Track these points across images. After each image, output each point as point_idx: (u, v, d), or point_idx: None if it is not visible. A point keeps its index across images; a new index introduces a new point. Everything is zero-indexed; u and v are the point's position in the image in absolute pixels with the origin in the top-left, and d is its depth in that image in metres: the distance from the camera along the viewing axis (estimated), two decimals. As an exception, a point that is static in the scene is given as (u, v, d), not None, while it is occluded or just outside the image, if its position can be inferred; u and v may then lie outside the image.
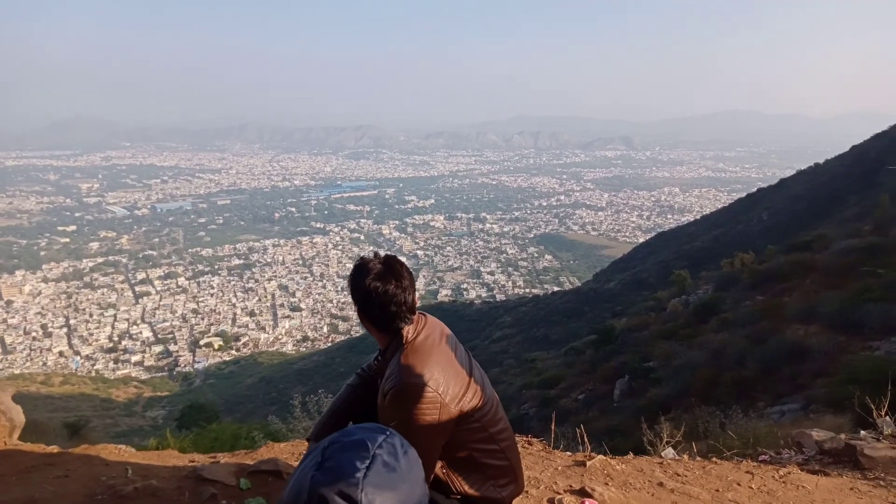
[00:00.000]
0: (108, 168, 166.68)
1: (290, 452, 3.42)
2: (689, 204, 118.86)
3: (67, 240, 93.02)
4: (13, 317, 66.29)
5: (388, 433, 1.02)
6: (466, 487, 2.02)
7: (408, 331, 2.03)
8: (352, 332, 61.49)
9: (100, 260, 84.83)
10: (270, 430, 7.49)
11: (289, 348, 61.24)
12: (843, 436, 3.86)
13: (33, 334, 62.53)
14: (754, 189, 48.28)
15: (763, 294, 15.79)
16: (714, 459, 3.69)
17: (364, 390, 2.36)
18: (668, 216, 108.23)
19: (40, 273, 78.72)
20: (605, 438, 8.98)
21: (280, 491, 2.83)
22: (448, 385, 1.93)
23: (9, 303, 69.63)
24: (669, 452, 3.94)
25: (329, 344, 57.55)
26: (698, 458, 3.73)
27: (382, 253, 2.12)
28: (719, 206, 61.07)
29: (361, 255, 2.13)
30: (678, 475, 3.35)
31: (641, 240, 72.66)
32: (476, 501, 2.06)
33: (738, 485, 3.23)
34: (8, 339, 61.03)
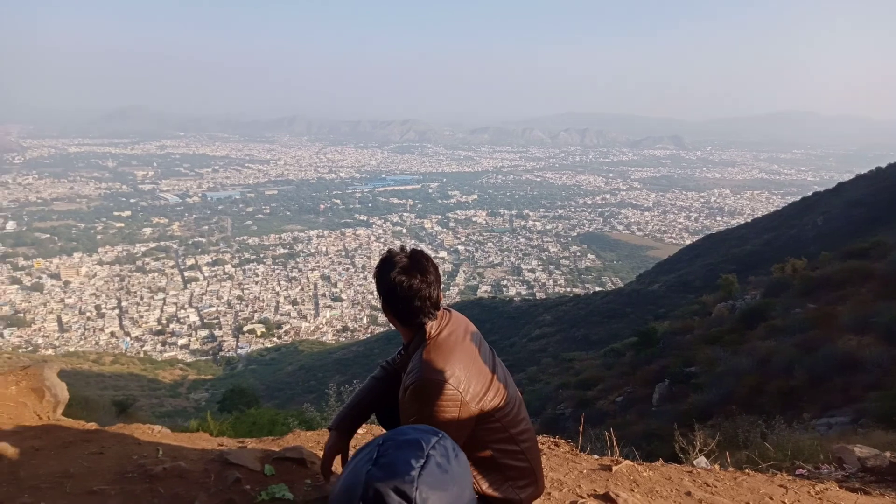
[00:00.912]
0: (162, 156, 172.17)
1: (315, 441, 3.44)
2: (739, 206, 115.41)
3: (122, 225, 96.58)
4: (70, 297, 69.31)
5: (440, 435, 1.05)
6: (485, 487, 2.00)
7: (431, 326, 2.03)
8: (390, 325, 61.74)
9: (152, 245, 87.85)
10: (306, 418, 7.61)
11: (329, 338, 62.22)
12: (888, 454, 3.66)
13: (88, 314, 65.23)
14: (810, 193, 46.61)
15: (815, 302, 15.20)
16: (747, 471, 3.55)
17: (388, 383, 2.37)
18: (718, 218, 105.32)
19: (96, 256, 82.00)
20: (643, 443, 8.81)
21: (302, 479, 2.87)
22: (469, 383, 1.91)
23: (66, 283, 72.81)
24: (702, 461, 3.81)
25: (368, 335, 58.22)
26: (730, 469, 3.59)
27: (409, 247, 2.13)
28: (772, 210, 59.16)
29: (389, 248, 2.13)
30: (707, 485, 3.24)
31: (688, 242, 71.02)
32: (494, 501, 2.04)
33: (771, 499, 3.11)
34: (65, 318, 63.87)
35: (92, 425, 4.03)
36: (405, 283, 1.99)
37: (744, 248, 37.48)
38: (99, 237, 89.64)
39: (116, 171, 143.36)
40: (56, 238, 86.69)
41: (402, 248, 2.10)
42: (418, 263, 2.03)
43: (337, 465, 2.47)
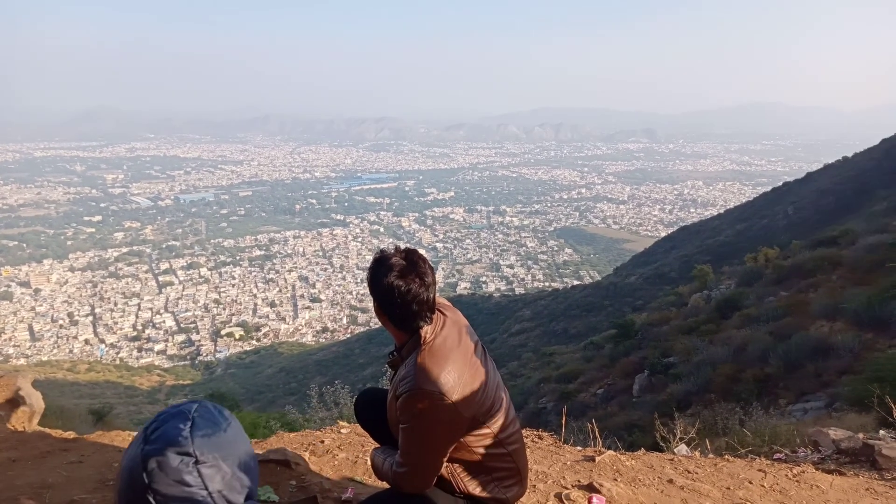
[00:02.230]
0: (132, 159, 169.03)
1: (299, 442, 3.43)
2: (712, 198, 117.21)
3: (93, 230, 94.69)
4: (41, 304, 67.80)
5: (200, 402, 1.07)
6: (471, 488, 2.00)
7: (426, 331, 1.96)
8: (371, 324, 61.82)
9: (124, 250, 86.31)
10: (288, 420, 7.57)
11: (308, 339, 61.82)
12: (861, 435, 3.76)
13: (60, 322, 63.87)
14: (780, 183, 47.47)
15: (787, 290, 15.50)
16: (727, 457, 3.63)
17: None
18: (691, 210, 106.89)
19: (67, 262, 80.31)
20: (624, 434, 8.92)
21: (286, 481, 2.85)
22: (464, 391, 1.88)
23: (37, 291, 71.23)
24: (682, 449, 3.88)
25: (348, 335, 57.96)
26: (710, 456, 3.67)
27: (403, 246, 2.04)
28: (743, 200, 60.09)
29: (381, 248, 2.05)
30: (689, 472, 3.30)
31: (663, 234, 71.87)
32: (480, 501, 2.04)
33: (750, 483, 3.17)
34: (36, 327, 62.45)
35: (70, 434, 3.97)
36: (402, 287, 1.90)
37: (717, 239, 38.03)
38: (69, 243, 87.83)
39: (85, 175, 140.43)
40: (24, 245, 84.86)
41: (398, 249, 2.01)
42: (415, 266, 1.96)
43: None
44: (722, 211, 58.64)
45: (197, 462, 0.97)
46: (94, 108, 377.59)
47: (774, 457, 3.74)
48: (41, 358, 53.44)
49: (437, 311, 2.04)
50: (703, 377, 11.59)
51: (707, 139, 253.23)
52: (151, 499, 0.96)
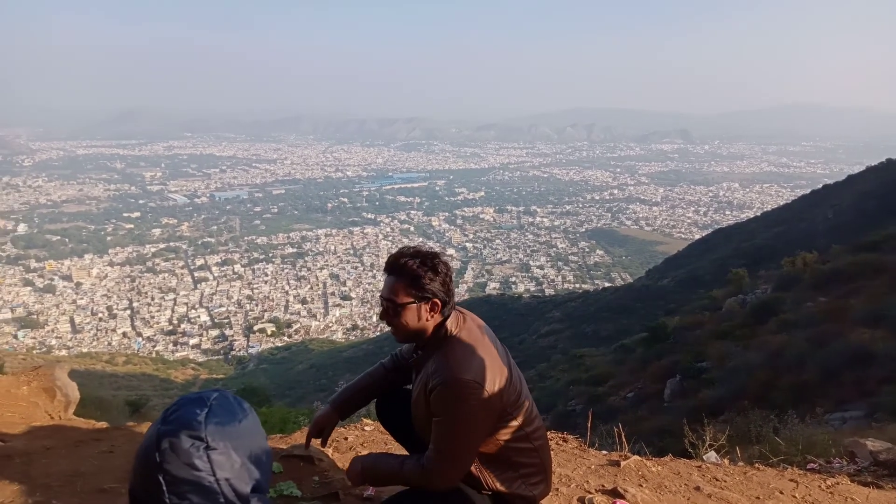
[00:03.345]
0: (170, 157, 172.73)
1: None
2: (749, 200, 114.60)
3: (132, 226, 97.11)
4: (82, 298, 69.96)
5: (220, 391, 1.10)
6: (498, 484, 2.00)
7: (450, 324, 1.99)
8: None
9: (161, 246, 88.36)
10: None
11: (339, 336, 62.41)
12: (901, 447, 3.60)
13: (100, 315, 65.78)
14: (820, 185, 46.18)
15: (826, 296, 15.06)
16: (757, 465, 3.52)
17: (396, 375, 2.37)
18: (727, 212, 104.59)
19: (107, 257, 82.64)
20: (654, 439, 8.76)
21: (310, 476, 2.87)
22: (494, 381, 1.89)
23: (78, 284, 73.47)
24: (712, 456, 3.78)
25: (378, 333, 58.31)
26: (740, 464, 3.57)
27: (418, 245, 2.08)
28: (781, 203, 58.68)
29: (392, 252, 2.08)
30: (717, 480, 3.22)
31: (697, 236, 70.58)
32: (506, 499, 2.04)
33: (781, 493, 3.08)
34: (77, 319, 64.46)
35: (102, 424, 4.06)
36: (450, 270, 2.00)
37: (753, 242, 37.21)
38: (109, 238, 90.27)
39: (125, 172, 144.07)
40: (67, 240, 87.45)
41: (407, 248, 2.06)
42: (432, 262, 1.99)
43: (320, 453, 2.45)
44: (759, 213, 57.38)
45: (208, 447, 0.99)
46: (134, 108, 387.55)
47: (808, 467, 3.62)
48: (81, 349, 55.09)
49: (455, 309, 2.07)
50: (737, 383, 11.34)
51: (744, 140, 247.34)
52: (161, 478, 0.99)
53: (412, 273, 1.95)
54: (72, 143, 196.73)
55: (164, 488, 0.99)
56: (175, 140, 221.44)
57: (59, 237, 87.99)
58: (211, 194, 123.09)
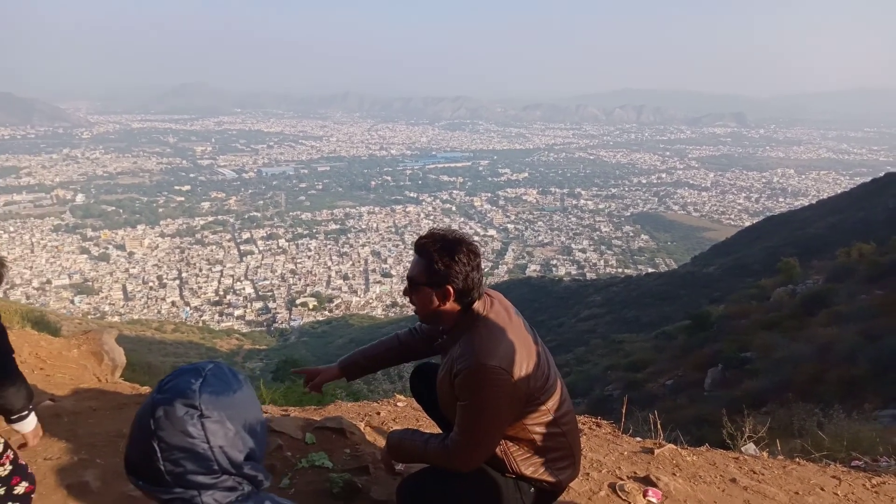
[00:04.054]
0: (220, 132, 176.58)
1: (356, 412, 3.50)
2: (804, 187, 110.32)
3: (182, 199, 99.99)
4: (134, 267, 72.69)
5: (216, 362, 1.13)
6: (523, 468, 1.99)
7: (478, 307, 1.97)
8: (439, 301, 62.42)
9: (210, 219, 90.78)
10: (353, 390, 7.74)
11: (378, 312, 63.19)
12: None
13: (150, 284, 68.25)
14: (882, 173, 44.05)
15: (883, 288, 14.46)
16: (798, 460, 3.41)
17: (409, 349, 2.39)
18: (780, 199, 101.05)
19: (158, 228, 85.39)
20: (692, 428, 8.61)
21: (341, 448, 2.91)
22: (521, 366, 1.87)
23: (131, 254, 76.32)
24: (750, 448, 3.67)
25: (417, 311, 58.78)
26: (779, 457, 3.46)
27: (452, 229, 2.05)
28: (839, 191, 56.37)
29: (420, 235, 2.06)
30: (754, 473, 3.13)
31: (748, 223, 68.43)
32: (531, 482, 2.02)
33: (822, 489, 2.98)
34: (129, 287, 67.05)
35: (146, 389, 4.20)
36: (474, 258, 1.95)
37: (807, 231, 35.92)
38: (161, 210, 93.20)
39: (177, 146, 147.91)
40: (121, 210, 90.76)
41: (433, 230, 2.04)
42: (461, 237, 1.98)
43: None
44: (814, 202, 55.26)
45: (202, 415, 1.02)
46: (186, 84, 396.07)
47: (852, 464, 3.49)
48: (132, 316, 57.30)
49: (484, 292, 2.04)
50: (782, 375, 11.04)
51: (802, 125, 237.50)
52: (156, 445, 1.01)
53: (429, 257, 1.94)
54: (127, 117, 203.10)
55: (159, 455, 1.01)
56: (225, 116, 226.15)
57: (113, 208, 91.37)
58: (258, 170, 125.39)
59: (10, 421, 1.93)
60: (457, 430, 1.92)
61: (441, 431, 2.38)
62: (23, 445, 2.02)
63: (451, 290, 1.93)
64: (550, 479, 2.02)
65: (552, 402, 1.98)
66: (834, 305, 14.50)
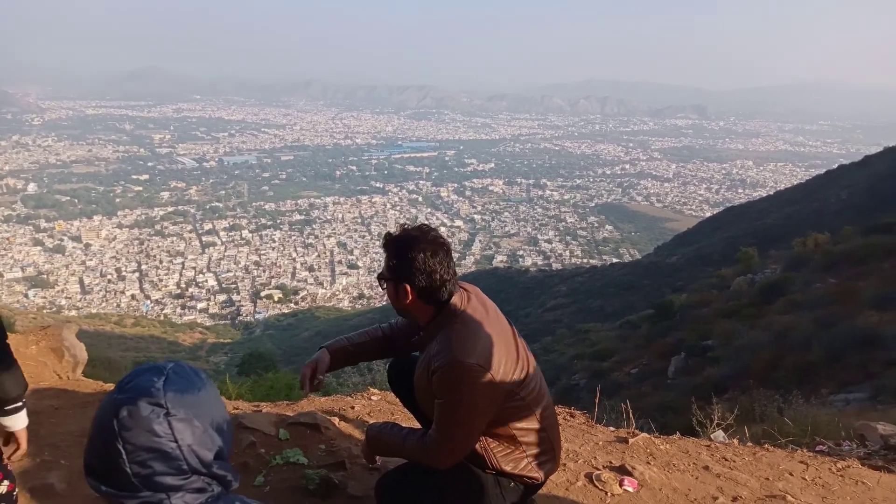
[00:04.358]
0: (179, 120, 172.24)
1: (329, 407, 3.46)
2: (762, 178, 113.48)
3: (141, 188, 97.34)
4: (91, 259, 70.64)
5: (176, 361, 1.10)
6: (503, 465, 1.98)
7: (455, 303, 1.94)
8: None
9: (170, 209, 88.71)
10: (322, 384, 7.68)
11: (345, 304, 62.85)
12: (913, 431, 3.59)
13: (109, 277, 66.48)
14: (835, 165, 45.61)
15: (836, 277, 15.00)
16: (766, 446, 3.51)
17: (391, 344, 2.36)
18: (739, 190, 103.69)
19: (115, 219, 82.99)
20: (657, 415, 8.80)
21: (316, 444, 2.88)
22: (499, 363, 1.85)
23: (87, 246, 74.09)
24: (720, 435, 3.78)
25: (384, 303, 58.58)
26: (749, 444, 3.56)
27: (409, 223, 2.02)
28: (795, 182, 58.13)
29: (394, 229, 2.02)
30: (726, 459, 3.21)
31: (708, 214, 70.23)
32: (512, 477, 2.01)
33: (791, 475, 3.07)
34: (87, 280, 65.17)
35: (110, 386, 4.07)
36: (432, 257, 1.89)
37: (765, 222, 36.98)
38: (118, 200, 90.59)
39: (134, 134, 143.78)
40: (76, 201, 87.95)
41: (404, 226, 1.99)
42: (436, 236, 1.95)
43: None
44: (771, 193, 56.91)
45: (168, 414, 0.98)
46: (143, 69, 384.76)
47: (816, 449, 3.61)
48: (90, 310, 55.75)
49: (459, 287, 2.01)
50: (742, 362, 11.37)
51: (760, 117, 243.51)
52: (121, 447, 0.97)
53: (388, 253, 1.95)
54: (81, 103, 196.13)
55: (125, 457, 0.97)
56: (184, 102, 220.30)
57: (68, 198, 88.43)
58: (220, 158, 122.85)
59: (2, 412, 1.77)
60: (434, 428, 1.91)
61: (419, 425, 2.38)
62: (15, 450, 1.83)
63: (409, 288, 1.92)
64: (531, 474, 2.01)
65: (531, 398, 1.96)
66: (790, 294, 14.97)
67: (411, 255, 1.88)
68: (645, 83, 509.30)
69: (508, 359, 1.90)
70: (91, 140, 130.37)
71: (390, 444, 2.08)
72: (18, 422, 1.80)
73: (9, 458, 1.84)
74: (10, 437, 1.81)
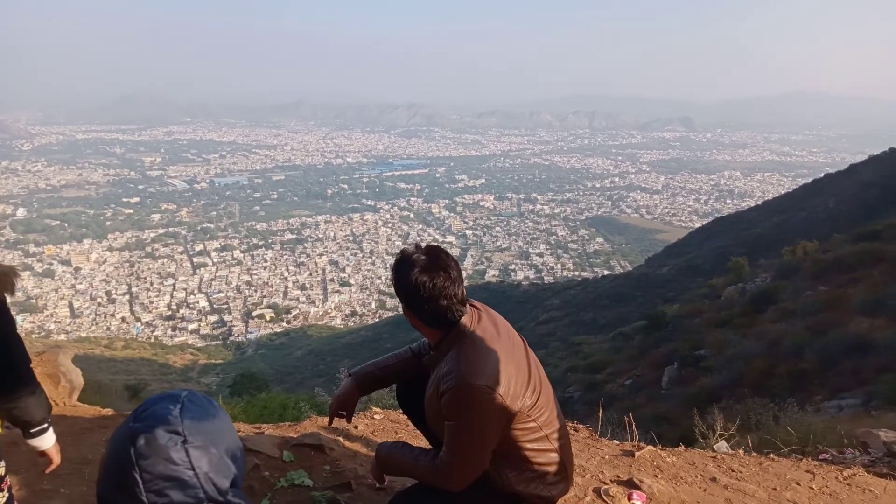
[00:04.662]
0: (169, 142, 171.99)
1: (333, 427, 3.46)
2: (750, 189, 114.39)
3: (131, 211, 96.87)
4: (81, 283, 70.00)
5: (189, 390, 1.10)
6: (515, 485, 1.96)
7: (464, 324, 1.92)
8: (398, 309, 62.01)
9: (161, 231, 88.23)
10: (317, 402, 7.65)
11: (337, 322, 62.53)
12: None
13: (98, 300, 65.87)
14: (821, 174, 46.09)
15: (826, 285, 15.12)
16: (772, 456, 3.52)
17: (417, 361, 2.30)
18: (728, 201, 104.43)
19: (106, 242, 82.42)
20: (652, 426, 8.82)
21: (321, 465, 2.89)
22: (510, 384, 1.84)
23: (77, 269, 73.49)
24: (722, 446, 3.77)
25: (377, 320, 58.46)
26: (754, 454, 3.55)
27: (424, 244, 2.00)
28: (783, 192, 58.65)
29: (402, 247, 2.01)
30: (732, 471, 3.21)
31: (698, 225, 70.53)
32: (524, 498, 2.00)
33: (798, 484, 3.07)
34: (76, 304, 64.53)
35: (108, 411, 4.07)
36: (428, 283, 1.86)
37: (754, 231, 37.22)
38: (108, 223, 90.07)
39: (124, 157, 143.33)
40: (66, 224, 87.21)
41: (418, 246, 1.97)
42: (438, 260, 1.91)
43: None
44: (759, 202, 57.31)
45: (185, 441, 0.98)
46: (133, 93, 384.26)
47: (820, 457, 3.63)
48: (80, 334, 55.16)
49: (470, 306, 1.99)
50: (735, 371, 11.43)
51: (746, 128, 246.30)
52: (138, 476, 0.95)
53: (404, 295, 1.94)
54: (71, 128, 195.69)
55: (141, 486, 0.95)
56: (175, 125, 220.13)
57: (58, 222, 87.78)
58: (210, 180, 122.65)
59: (29, 435, 1.83)
60: (445, 450, 1.89)
61: (426, 443, 2.37)
62: (47, 464, 1.94)
63: (411, 312, 1.93)
64: (544, 493, 2.00)
65: (543, 419, 1.94)
66: (781, 302, 15.08)
67: (407, 278, 1.87)
68: (632, 97, 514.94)
69: (519, 379, 1.88)
70: (81, 164, 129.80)
71: (401, 464, 2.06)
72: (46, 442, 1.89)
73: (45, 472, 1.98)
74: (42, 453, 1.91)
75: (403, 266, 1.91)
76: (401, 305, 1.99)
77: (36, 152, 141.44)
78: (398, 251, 1.99)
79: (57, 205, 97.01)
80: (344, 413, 2.35)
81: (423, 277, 1.86)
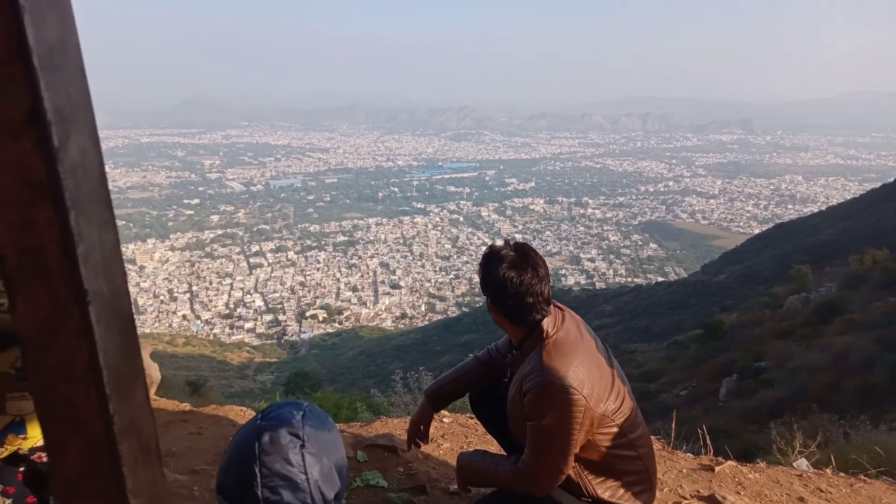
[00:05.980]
0: (227, 146, 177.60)
1: (402, 428, 3.54)
2: (813, 193, 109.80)
3: (192, 212, 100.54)
4: (145, 281, 72.98)
5: (309, 403, 1.16)
6: (599, 492, 1.93)
7: (548, 324, 1.91)
8: (448, 312, 62.49)
9: (219, 232, 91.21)
10: (372, 403, 7.78)
11: (388, 324, 63.11)
12: None
13: (161, 298, 68.48)
14: (891, 179, 43.90)
15: (897, 296, 14.45)
16: (862, 477, 3.36)
17: (489, 368, 2.32)
18: (789, 206, 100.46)
19: (168, 242, 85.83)
20: (709, 439, 8.61)
21: (394, 467, 2.98)
22: (593, 385, 1.82)
23: (141, 268, 76.72)
24: (802, 463, 3.63)
25: (426, 322, 58.78)
26: (842, 474, 3.41)
27: (513, 240, 2.01)
28: (849, 197, 56.17)
29: (492, 242, 2.02)
30: (821, 491, 3.08)
31: (757, 231, 68.24)
32: None
33: (893, 509, 2.93)
34: (141, 301, 67.28)
35: (186, 406, 4.27)
36: (515, 279, 1.86)
37: (818, 238, 35.74)
38: (170, 224, 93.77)
39: (185, 160, 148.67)
40: (131, 225, 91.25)
41: (507, 242, 1.98)
42: (527, 257, 1.92)
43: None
44: (823, 208, 55.08)
45: (303, 446, 1.04)
46: (194, 98, 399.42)
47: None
48: (144, 330, 57.40)
49: (554, 307, 1.99)
50: (798, 385, 11.02)
51: (808, 130, 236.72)
52: (257, 470, 1.01)
53: (491, 290, 1.96)
54: (136, 132, 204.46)
55: (259, 480, 1.01)
56: (232, 129, 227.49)
57: (123, 222, 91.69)
58: (266, 182, 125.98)
59: None
60: (527, 452, 1.88)
61: (499, 449, 2.39)
62: None
63: (496, 308, 1.95)
64: (628, 502, 1.97)
65: (626, 424, 1.92)
66: (848, 313, 14.47)
67: (493, 273, 1.89)
68: (686, 98, 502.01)
69: (602, 383, 1.87)
70: (145, 167, 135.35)
71: (483, 472, 2.05)
72: None
73: None
74: None
75: (491, 261, 1.93)
76: (487, 306, 2.00)
77: (105, 156, 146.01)
78: (488, 245, 2.00)
79: (123, 206, 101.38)
80: (421, 436, 2.40)
81: (510, 273, 1.87)
